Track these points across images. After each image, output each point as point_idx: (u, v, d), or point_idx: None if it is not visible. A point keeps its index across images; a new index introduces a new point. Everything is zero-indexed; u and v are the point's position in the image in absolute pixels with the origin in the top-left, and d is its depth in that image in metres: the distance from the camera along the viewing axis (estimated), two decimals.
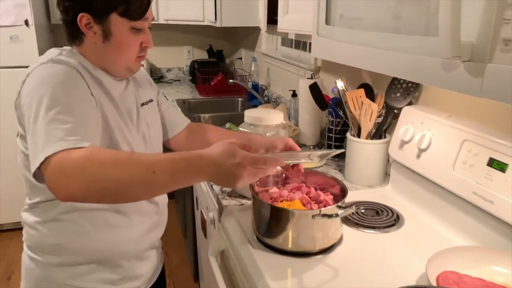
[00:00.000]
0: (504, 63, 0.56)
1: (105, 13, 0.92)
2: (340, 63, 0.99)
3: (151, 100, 1.14)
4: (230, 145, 0.77)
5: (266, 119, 1.22)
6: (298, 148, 1.05)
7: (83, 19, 0.92)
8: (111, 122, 0.96)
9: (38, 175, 0.77)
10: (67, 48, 0.99)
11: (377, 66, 0.85)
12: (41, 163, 0.75)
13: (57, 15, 2.94)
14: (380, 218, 1.13)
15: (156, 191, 0.79)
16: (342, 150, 1.06)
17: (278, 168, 1.02)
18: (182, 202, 2.48)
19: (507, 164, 0.90)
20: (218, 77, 2.85)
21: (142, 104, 1.09)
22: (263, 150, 1.04)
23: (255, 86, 2.66)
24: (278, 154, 0.92)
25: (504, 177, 0.90)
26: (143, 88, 1.13)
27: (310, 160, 0.97)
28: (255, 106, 2.39)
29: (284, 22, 1.51)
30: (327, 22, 1.04)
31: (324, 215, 0.92)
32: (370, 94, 1.37)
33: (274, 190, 1.11)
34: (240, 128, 1.26)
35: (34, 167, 0.77)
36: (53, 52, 0.96)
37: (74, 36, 0.97)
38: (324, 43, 1.06)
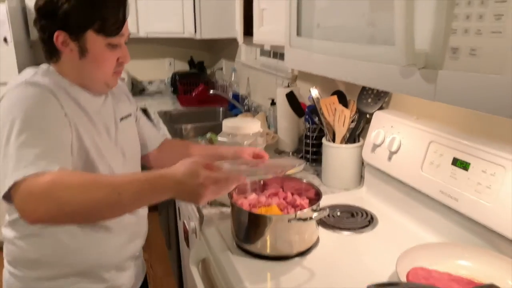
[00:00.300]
0: (453, 70, 0.61)
1: (81, 30, 0.94)
2: (311, 72, 1.04)
3: (130, 115, 1.16)
4: (193, 164, 0.80)
5: (243, 128, 1.26)
6: (267, 156, 1.12)
7: (59, 37, 0.94)
8: (87, 141, 0.97)
9: (8, 197, 0.79)
10: (44, 66, 1.00)
11: (343, 75, 0.89)
12: (10, 187, 0.77)
13: (36, 32, 2.95)
14: (355, 219, 1.17)
15: (123, 211, 0.83)
16: (300, 169, 1.25)
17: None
18: (165, 213, 2.49)
19: (469, 163, 0.95)
20: (199, 87, 2.88)
21: (121, 119, 1.11)
22: (230, 160, 1.10)
23: (236, 96, 2.70)
24: (238, 170, 0.96)
25: (467, 175, 0.95)
26: (122, 103, 1.14)
27: (269, 176, 1.06)
28: (236, 115, 2.43)
29: (259, 34, 1.55)
30: (298, 33, 1.09)
31: (299, 219, 0.95)
32: (343, 100, 1.42)
33: (252, 196, 1.14)
34: (219, 138, 1.29)
35: (3, 190, 0.78)
36: (28, 73, 0.97)
37: (51, 53, 0.98)
38: (296, 54, 1.11)
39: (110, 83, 1.04)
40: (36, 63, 3.41)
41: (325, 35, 0.97)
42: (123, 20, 0.98)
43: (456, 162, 0.98)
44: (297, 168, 1.07)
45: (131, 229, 1.10)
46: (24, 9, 2.93)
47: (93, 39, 0.95)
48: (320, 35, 0.99)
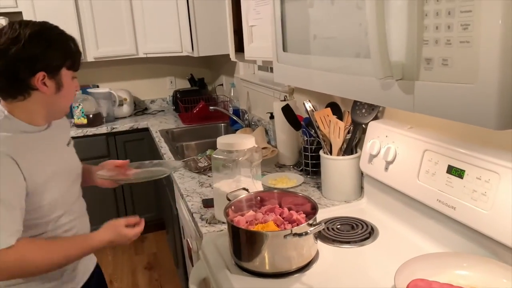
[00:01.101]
0: (428, 80, 0.60)
1: (58, 69, 1.09)
2: (298, 87, 1.04)
3: (71, 139, 1.33)
4: (115, 227, 1.17)
5: (238, 145, 1.26)
6: (125, 162, 1.44)
7: (40, 77, 1.06)
8: (42, 177, 1.09)
9: None
10: (1, 116, 1.09)
11: (329, 89, 0.89)
12: None
13: None
14: (355, 232, 1.15)
15: (65, 266, 1.15)
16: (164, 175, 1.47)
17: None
18: (172, 231, 2.49)
19: (464, 170, 0.93)
20: (200, 104, 2.90)
21: (68, 144, 1.28)
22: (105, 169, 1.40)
23: (236, 111, 2.71)
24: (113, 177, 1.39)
25: (462, 183, 0.93)
26: (66, 128, 1.34)
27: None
28: (237, 130, 2.43)
29: (250, 50, 1.56)
30: (284, 49, 1.09)
31: (295, 234, 0.94)
32: (338, 112, 1.42)
33: (249, 213, 1.13)
34: (213, 155, 1.29)
35: None
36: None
37: (17, 93, 1.08)
38: (283, 69, 1.11)
39: (66, 111, 1.22)
40: None
41: (310, 50, 0.98)
42: (80, 56, 1.18)
43: (451, 170, 0.96)
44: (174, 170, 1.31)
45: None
46: None
47: (65, 74, 1.12)
48: (305, 49, 0.99)
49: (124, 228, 1.17)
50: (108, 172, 1.39)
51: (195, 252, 1.40)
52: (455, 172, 0.95)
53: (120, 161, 1.43)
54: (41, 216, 1.11)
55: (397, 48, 0.65)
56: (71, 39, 1.14)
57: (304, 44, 0.97)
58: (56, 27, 1.12)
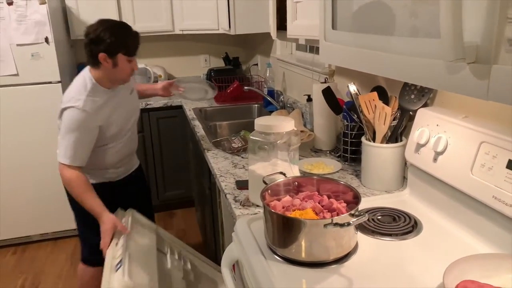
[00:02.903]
0: (510, 64, 0.53)
1: (115, 53, 1.68)
2: (347, 67, 0.97)
3: (132, 90, 1.96)
4: (114, 222, 1.69)
5: (276, 127, 1.21)
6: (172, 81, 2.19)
7: (102, 57, 1.67)
8: (112, 116, 1.77)
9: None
10: (88, 81, 1.72)
11: (383, 71, 0.82)
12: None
13: (76, 31, 3.03)
14: (397, 224, 1.10)
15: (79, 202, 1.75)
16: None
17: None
18: (201, 210, 2.50)
19: None
20: (234, 84, 2.85)
21: (131, 92, 1.94)
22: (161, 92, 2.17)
23: (271, 92, 2.65)
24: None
25: None
26: (128, 85, 1.92)
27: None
28: (271, 112, 2.38)
29: (293, 28, 1.49)
30: (334, 27, 1.02)
31: (336, 224, 0.90)
32: (384, 96, 1.34)
33: (286, 198, 1.09)
34: (251, 136, 1.25)
35: (58, 157, 1.71)
36: (82, 91, 1.69)
37: (94, 63, 1.71)
38: (331, 48, 1.04)
39: (126, 80, 1.82)
40: (76, 61, 3.52)
41: (362, 28, 0.91)
42: (137, 48, 1.74)
43: None
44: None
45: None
46: (64, 10, 3.02)
47: (121, 58, 1.70)
48: (357, 28, 0.92)
49: (112, 228, 1.67)
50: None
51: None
52: None
53: (169, 81, 2.17)
54: (105, 141, 1.79)
55: (472, 27, 0.57)
56: (131, 35, 1.70)
57: (357, 21, 0.90)
58: (125, 26, 1.72)
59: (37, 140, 2.81)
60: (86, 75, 1.73)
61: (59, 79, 2.75)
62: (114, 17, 3.09)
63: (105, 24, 1.67)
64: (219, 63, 3.62)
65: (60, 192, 2.92)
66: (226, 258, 1.14)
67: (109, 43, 1.64)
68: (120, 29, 1.69)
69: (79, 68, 3.37)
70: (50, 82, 2.74)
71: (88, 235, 1.91)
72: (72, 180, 1.69)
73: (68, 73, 3.06)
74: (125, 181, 1.98)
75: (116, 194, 1.91)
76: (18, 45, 2.62)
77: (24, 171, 2.85)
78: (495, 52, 0.55)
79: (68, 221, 3.01)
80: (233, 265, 1.16)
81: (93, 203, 1.70)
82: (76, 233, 3.05)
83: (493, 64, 0.55)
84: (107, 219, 1.67)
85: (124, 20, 3.11)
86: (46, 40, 2.65)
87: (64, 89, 2.80)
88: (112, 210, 1.79)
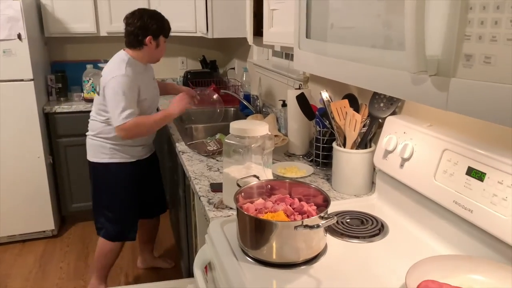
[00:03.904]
0: (466, 78, 0.57)
1: (158, 36, 2.06)
2: (319, 75, 1.01)
3: (154, 77, 2.28)
4: (184, 98, 2.14)
5: (251, 131, 1.23)
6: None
7: (149, 39, 2.03)
8: (144, 91, 2.05)
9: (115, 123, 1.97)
10: (124, 57, 2.02)
11: (354, 80, 0.86)
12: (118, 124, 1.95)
13: (51, 29, 2.97)
14: (365, 227, 1.14)
15: (160, 126, 2.10)
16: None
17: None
18: (175, 212, 2.49)
19: (484, 173, 0.91)
20: (211, 87, 2.86)
21: (153, 78, 2.25)
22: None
23: (247, 96, 2.68)
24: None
25: (482, 186, 0.91)
26: (152, 69, 2.25)
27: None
28: (248, 115, 2.41)
29: (269, 35, 1.53)
30: (308, 35, 1.06)
31: (306, 226, 0.93)
32: (355, 104, 1.39)
33: (259, 201, 1.11)
34: (225, 140, 1.27)
35: (116, 122, 1.94)
36: (121, 64, 1.98)
37: (136, 45, 2.04)
38: (305, 56, 1.08)
39: (158, 60, 2.17)
40: (50, 59, 3.45)
41: (336, 38, 0.94)
42: (170, 31, 2.15)
43: (471, 172, 0.94)
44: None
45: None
46: (38, 6, 2.96)
47: (162, 39, 2.09)
48: (330, 37, 0.96)
49: (183, 96, 2.13)
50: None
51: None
52: (475, 174, 0.93)
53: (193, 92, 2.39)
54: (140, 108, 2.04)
55: (434, 42, 0.62)
56: (166, 20, 2.09)
57: (330, 31, 0.94)
58: (161, 14, 2.08)
59: (6, 139, 2.74)
60: (121, 54, 2.04)
61: (31, 77, 2.69)
62: (91, 16, 3.07)
63: (148, 13, 2.05)
64: (196, 66, 3.62)
65: (28, 193, 2.88)
66: (199, 259, 1.15)
67: (155, 28, 2.02)
68: (160, 16, 2.07)
69: (53, 66, 3.31)
70: (22, 80, 2.68)
71: (110, 212, 2.20)
72: (133, 127, 1.94)
73: (41, 71, 3.00)
74: (149, 160, 2.28)
75: (143, 172, 2.24)
76: None
77: None
78: (454, 66, 0.59)
79: (36, 223, 2.95)
80: (205, 267, 1.17)
81: (159, 117, 2.03)
82: (46, 236, 3.02)
83: (452, 77, 0.60)
84: (172, 104, 2.09)
85: (100, 19, 3.09)
86: (19, 36, 2.59)
87: (36, 87, 2.76)
88: (140, 186, 2.21)
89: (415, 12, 0.60)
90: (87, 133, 2.17)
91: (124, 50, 2.07)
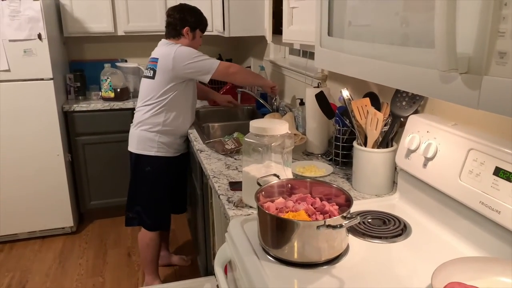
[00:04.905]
0: (499, 76, 0.56)
1: (195, 29, 2.22)
2: (341, 73, 1.00)
3: None
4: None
5: (270, 130, 1.23)
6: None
7: (186, 30, 2.18)
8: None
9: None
10: (169, 42, 2.19)
11: (377, 77, 0.85)
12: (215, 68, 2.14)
13: (69, 29, 3.01)
14: (387, 227, 1.12)
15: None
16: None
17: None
18: (194, 211, 2.50)
19: None
20: (227, 86, 2.86)
21: None
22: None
23: (264, 95, 2.67)
24: None
25: (510, 187, 0.89)
26: None
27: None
28: (264, 114, 2.40)
29: (289, 33, 1.52)
30: (330, 33, 1.05)
31: (329, 226, 0.92)
32: (376, 102, 1.37)
33: (279, 200, 1.11)
34: (245, 138, 1.27)
35: (211, 71, 2.13)
36: (174, 44, 2.15)
37: (175, 35, 2.20)
38: (326, 54, 1.07)
39: None
40: (68, 59, 3.50)
41: (357, 35, 0.93)
42: (207, 27, 2.31)
43: (498, 172, 0.92)
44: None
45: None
46: (58, 6, 3.01)
47: (198, 33, 2.24)
48: (352, 35, 0.95)
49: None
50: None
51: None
52: (503, 174, 0.91)
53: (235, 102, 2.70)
54: (187, 103, 2.24)
55: (465, 39, 0.60)
56: (204, 16, 2.26)
57: (351, 28, 0.93)
58: (198, 9, 2.25)
59: (27, 137, 2.79)
60: (165, 41, 2.21)
61: (51, 76, 2.73)
62: (108, 16, 3.10)
63: (188, 7, 2.24)
64: None
65: (48, 190, 2.92)
66: (219, 258, 1.16)
67: (193, 21, 2.20)
68: (198, 11, 2.25)
69: (71, 65, 3.36)
70: (42, 79, 2.73)
71: (149, 203, 2.28)
72: (232, 67, 2.20)
73: (60, 70, 3.04)
74: (184, 156, 2.38)
75: (180, 167, 2.39)
76: (10, 40, 2.60)
77: (12, 168, 2.82)
78: (486, 63, 0.57)
79: (56, 220, 3.01)
80: (225, 267, 1.18)
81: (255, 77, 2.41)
82: (65, 232, 3.07)
83: (484, 75, 0.58)
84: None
85: (117, 19, 3.13)
86: (39, 36, 2.63)
87: (56, 86, 2.81)
88: (174, 180, 2.36)
89: (446, 9, 0.58)
90: (131, 124, 2.25)
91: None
